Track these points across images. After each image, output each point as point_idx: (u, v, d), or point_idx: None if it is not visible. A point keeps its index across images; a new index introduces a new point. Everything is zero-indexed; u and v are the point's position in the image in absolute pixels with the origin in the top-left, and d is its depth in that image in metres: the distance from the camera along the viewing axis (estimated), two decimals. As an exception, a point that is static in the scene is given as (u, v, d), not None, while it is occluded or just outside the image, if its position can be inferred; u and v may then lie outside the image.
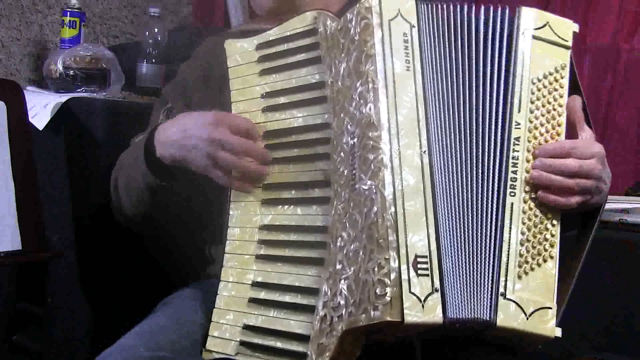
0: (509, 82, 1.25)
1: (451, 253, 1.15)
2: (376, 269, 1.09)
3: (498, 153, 1.22)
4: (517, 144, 1.23)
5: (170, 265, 1.71)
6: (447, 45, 1.24)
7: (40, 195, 1.54)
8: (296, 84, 1.31)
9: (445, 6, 1.25)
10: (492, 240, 1.19)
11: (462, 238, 1.17)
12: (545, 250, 1.21)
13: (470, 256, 1.18)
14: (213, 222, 1.49)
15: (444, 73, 1.23)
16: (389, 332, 1.13)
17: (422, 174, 1.15)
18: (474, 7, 1.27)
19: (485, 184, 1.21)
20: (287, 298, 1.24)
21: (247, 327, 1.26)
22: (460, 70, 1.24)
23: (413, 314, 1.07)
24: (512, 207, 1.20)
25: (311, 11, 1.31)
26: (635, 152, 2.29)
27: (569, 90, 1.29)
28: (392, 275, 1.08)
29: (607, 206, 1.91)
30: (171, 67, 2.08)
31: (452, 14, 1.26)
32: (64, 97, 1.93)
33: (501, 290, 1.17)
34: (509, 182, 1.21)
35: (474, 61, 1.26)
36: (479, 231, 1.19)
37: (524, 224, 1.21)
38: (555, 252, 1.22)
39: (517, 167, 1.22)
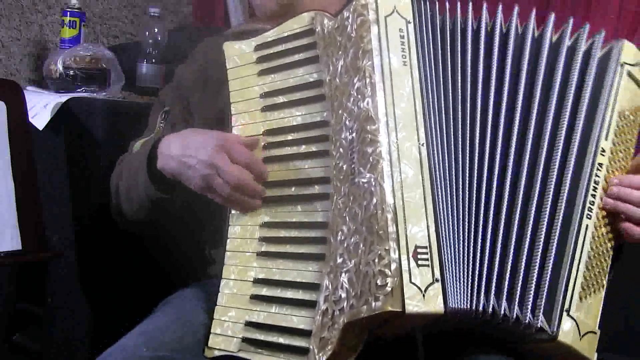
0: (599, 108, 1.27)
1: (452, 244, 1.16)
2: (376, 260, 1.10)
3: (571, 170, 1.24)
4: (600, 170, 1.26)
5: (171, 265, 1.71)
6: (443, 41, 1.26)
7: (40, 195, 1.54)
8: (294, 83, 1.32)
9: (442, 3, 1.27)
10: (550, 249, 1.21)
11: (464, 229, 1.18)
12: (601, 278, 1.24)
13: (476, 247, 1.18)
14: (213, 225, 1.50)
15: (440, 68, 1.24)
16: (391, 324, 1.13)
17: (421, 166, 1.15)
18: (469, 5, 1.29)
19: (537, 188, 1.23)
20: (289, 294, 1.24)
21: (249, 324, 1.26)
22: (461, 66, 1.26)
23: (414, 304, 1.08)
24: (586, 230, 1.23)
25: (308, 12, 1.32)
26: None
27: None
28: (393, 266, 1.09)
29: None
30: (171, 67, 2.08)
31: (450, 11, 1.27)
32: (64, 97, 1.93)
33: (566, 306, 1.19)
34: (587, 205, 1.23)
35: (469, 56, 1.27)
36: (498, 224, 1.20)
37: (591, 249, 1.23)
38: (606, 280, 1.25)
39: (596, 191, 1.25)
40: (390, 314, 1.08)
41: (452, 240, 1.16)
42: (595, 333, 1.22)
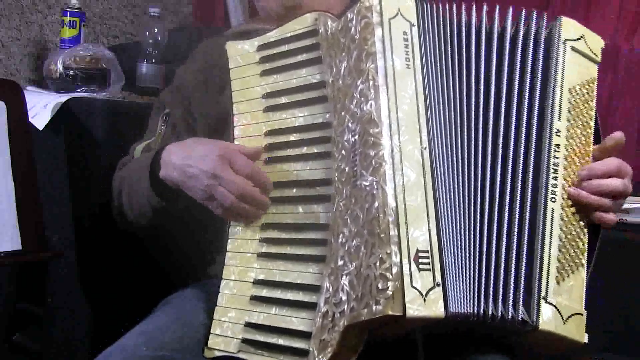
0: (547, 88, 1.27)
1: (453, 248, 1.16)
2: (378, 264, 1.10)
3: (532, 156, 1.24)
4: (558, 151, 1.25)
5: (171, 265, 1.71)
6: (447, 44, 1.26)
7: (40, 195, 1.54)
8: (297, 84, 1.32)
9: (446, 6, 1.26)
10: (522, 241, 1.20)
11: (466, 233, 1.18)
12: (578, 258, 1.24)
13: (477, 251, 1.18)
14: (213, 228, 1.49)
15: (444, 71, 1.24)
16: (391, 327, 1.13)
17: (423, 169, 1.15)
18: (472, 8, 1.29)
19: (509, 183, 1.22)
20: (289, 295, 1.24)
21: (249, 325, 1.26)
22: (465, 68, 1.26)
23: (415, 308, 1.08)
24: (552, 213, 1.22)
25: (311, 13, 1.32)
26: (635, 152, 2.28)
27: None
28: (394, 270, 1.09)
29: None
30: (171, 67, 2.08)
31: (454, 14, 1.27)
32: (64, 97, 1.92)
33: (543, 293, 1.18)
34: (550, 188, 1.23)
35: (473, 60, 1.27)
36: (492, 228, 1.20)
37: (562, 230, 1.23)
38: (585, 259, 1.24)
39: (557, 173, 1.24)
40: (390, 318, 1.08)
41: (453, 244, 1.16)
42: (581, 314, 1.21)
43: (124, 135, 1.68)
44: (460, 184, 1.20)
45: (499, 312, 1.17)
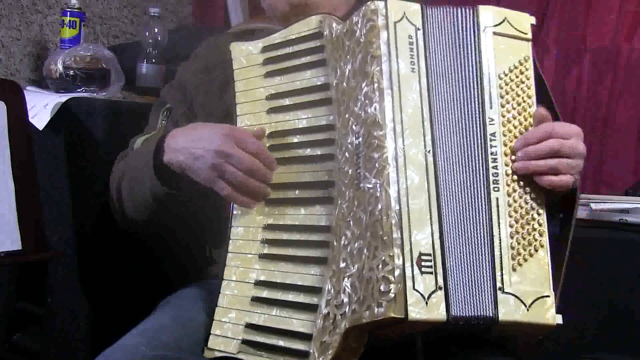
0: (478, 79, 1.25)
1: (455, 251, 1.16)
2: (380, 266, 1.10)
3: (478, 150, 1.23)
4: (494, 139, 1.24)
5: (171, 265, 1.71)
6: (452, 48, 1.26)
7: (40, 195, 1.53)
8: (301, 86, 1.33)
9: (451, 10, 1.26)
10: (485, 237, 1.20)
11: (465, 236, 1.18)
12: (536, 239, 1.22)
13: (471, 254, 1.18)
14: (215, 225, 1.49)
15: (448, 74, 1.24)
16: (393, 330, 1.13)
17: (427, 172, 1.16)
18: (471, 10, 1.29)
19: (473, 181, 1.22)
20: (290, 297, 1.24)
21: (250, 326, 1.26)
22: (466, 71, 1.25)
23: (417, 311, 1.08)
24: (497, 202, 1.21)
25: (316, 15, 1.32)
26: (635, 152, 2.29)
27: (535, 82, 1.29)
28: (396, 273, 1.09)
29: (607, 206, 1.91)
30: (171, 67, 2.08)
31: (459, 18, 1.27)
32: (64, 97, 1.92)
33: (498, 285, 1.17)
34: (492, 178, 1.22)
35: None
36: (476, 229, 1.20)
37: (510, 216, 1.21)
38: (545, 240, 1.23)
39: (496, 162, 1.23)
40: (392, 320, 1.09)
41: (456, 248, 1.16)
42: (547, 296, 1.19)
43: (124, 135, 1.67)
44: (464, 188, 1.20)
45: (483, 313, 1.16)
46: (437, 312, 1.10)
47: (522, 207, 1.23)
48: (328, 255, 1.20)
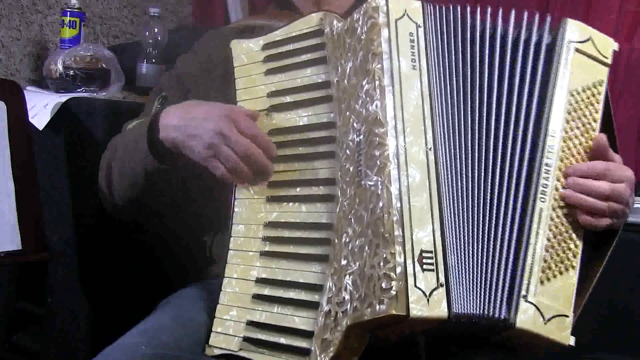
0: (547, 90, 1.26)
1: (457, 249, 1.16)
2: (382, 264, 1.10)
3: (527, 157, 1.23)
4: (551, 152, 1.24)
5: (171, 265, 1.71)
6: (453, 46, 1.26)
7: (40, 195, 1.53)
8: (301, 84, 1.32)
9: (452, 8, 1.26)
10: (512, 241, 1.20)
11: (469, 234, 1.18)
12: (568, 259, 1.22)
13: (479, 253, 1.18)
14: (212, 214, 1.49)
15: (450, 72, 1.24)
16: (394, 328, 1.13)
17: (428, 170, 1.15)
18: (477, 10, 1.29)
19: (505, 185, 1.22)
20: (291, 294, 1.24)
21: (251, 323, 1.26)
22: (470, 70, 1.26)
23: (418, 308, 1.08)
24: (540, 213, 1.21)
25: (317, 12, 1.33)
26: (635, 152, 2.29)
27: (603, 109, 1.30)
28: (398, 270, 1.09)
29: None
30: (171, 67, 2.08)
31: (459, 16, 1.27)
32: (64, 97, 1.92)
33: (523, 292, 1.17)
34: (540, 188, 1.22)
35: (477, 62, 1.27)
36: (491, 229, 1.20)
37: (550, 230, 1.22)
38: (577, 262, 1.23)
39: (549, 174, 1.23)
40: (394, 318, 1.08)
41: (457, 245, 1.16)
42: (566, 316, 1.19)
43: (124, 135, 1.67)
44: (465, 185, 1.20)
45: (503, 315, 1.17)
46: (438, 309, 1.09)
47: (562, 224, 1.23)
48: (329, 253, 1.20)
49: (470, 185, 1.20)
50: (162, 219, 1.58)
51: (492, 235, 1.20)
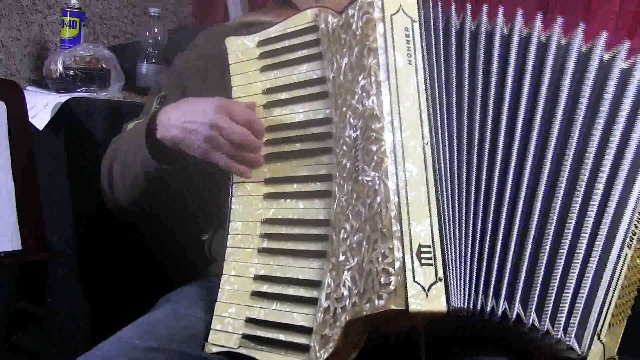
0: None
1: (455, 243, 1.16)
2: (380, 259, 1.09)
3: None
4: None
5: (171, 265, 1.71)
6: (448, 40, 1.26)
7: (40, 195, 1.53)
8: (297, 80, 1.32)
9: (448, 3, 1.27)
10: (584, 270, 1.21)
11: (467, 228, 1.18)
12: (626, 307, 1.25)
13: (476, 247, 1.18)
14: (211, 213, 1.49)
15: (445, 67, 1.24)
16: (393, 324, 1.13)
17: (425, 164, 1.15)
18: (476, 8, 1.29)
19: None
20: (290, 291, 1.23)
21: (250, 320, 1.26)
22: (466, 65, 1.26)
23: (417, 303, 1.07)
24: (625, 259, 1.23)
25: (312, 9, 1.32)
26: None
27: None
28: (397, 265, 1.08)
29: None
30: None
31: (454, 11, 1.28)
32: (64, 97, 1.93)
33: (598, 329, 1.19)
34: (629, 235, 1.24)
35: (473, 57, 1.27)
36: (487, 221, 1.20)
37: (625, 278, 1.24)
38: (629, 311, 1.26)
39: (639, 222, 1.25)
40: (393, 313, 1.08)
41: (455, 240, 1.16)
42: (614, 358, 1.23)
43: (124, 135, 1.67)
44: (463, 180, 1.20)
45: (501, 309, 1.17)
46: (437, 303, 1.09)
47: (634, 275, 1.26)
48: (327, 249, 1.20)
49: (467, 179, 1.20)
50: (162, 219, 1.58)
51: (501, 231, 1.20)
